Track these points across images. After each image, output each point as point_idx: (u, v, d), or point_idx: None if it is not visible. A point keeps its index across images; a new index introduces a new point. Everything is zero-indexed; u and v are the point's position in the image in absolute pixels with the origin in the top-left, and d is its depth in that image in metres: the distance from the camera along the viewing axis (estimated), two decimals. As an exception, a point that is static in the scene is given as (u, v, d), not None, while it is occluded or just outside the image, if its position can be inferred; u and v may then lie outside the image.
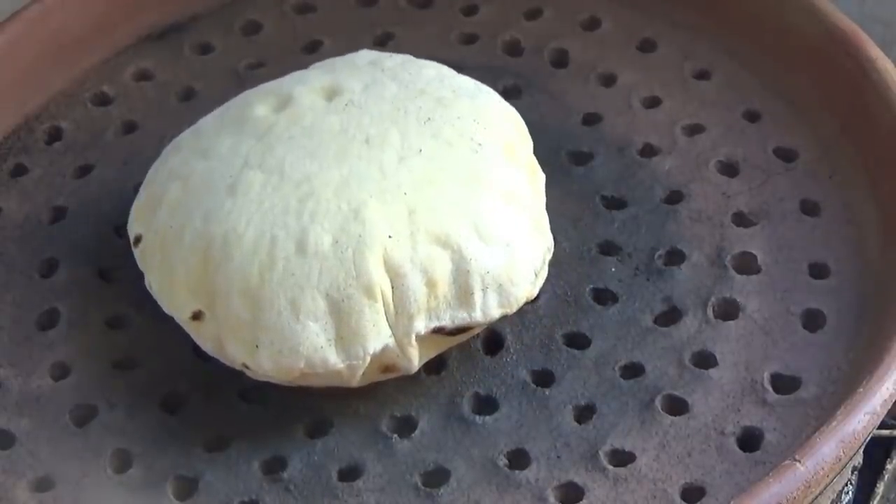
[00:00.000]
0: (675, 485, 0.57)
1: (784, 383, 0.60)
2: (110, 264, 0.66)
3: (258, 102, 0.64)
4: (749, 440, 0.58)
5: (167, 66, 0.75)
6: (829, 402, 0.58)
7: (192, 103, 0.74)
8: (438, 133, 0.61)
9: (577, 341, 0.62)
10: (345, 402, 0.60)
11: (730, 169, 0.68)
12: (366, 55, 0.67)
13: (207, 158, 0.63)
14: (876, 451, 0.82)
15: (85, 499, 0.58)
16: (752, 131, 0.69)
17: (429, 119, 0.62)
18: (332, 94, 0.64)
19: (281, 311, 0.57)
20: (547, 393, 0.60)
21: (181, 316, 0.60)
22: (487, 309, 0.59)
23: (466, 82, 0.65)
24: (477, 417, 0.60)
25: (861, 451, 0.60)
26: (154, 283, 0.61)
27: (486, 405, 0.60)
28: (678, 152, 0.68)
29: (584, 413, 0.59)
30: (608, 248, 0.65)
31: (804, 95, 0.70)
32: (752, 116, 0.70)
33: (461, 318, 0.58)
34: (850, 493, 0.66)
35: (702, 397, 0.59)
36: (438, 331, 0.58)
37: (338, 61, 0.67)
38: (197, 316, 0.59)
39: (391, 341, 0.58)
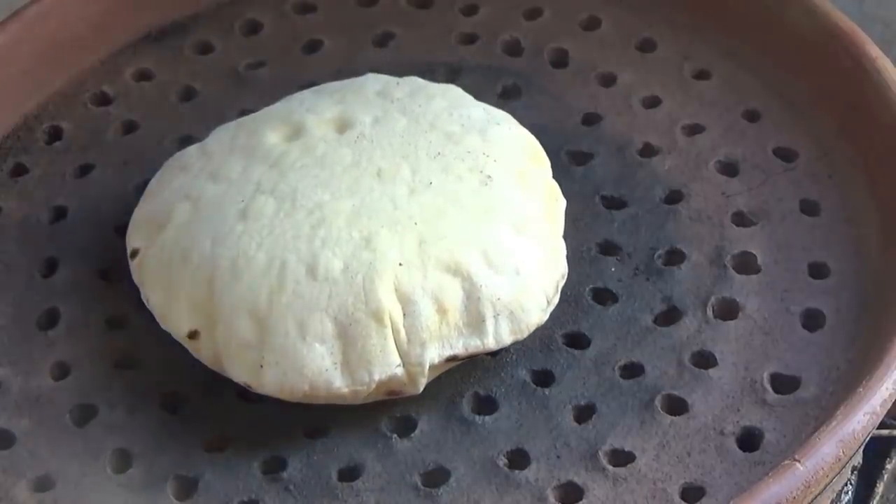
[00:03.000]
0: (674, 485, 0.57)
1: (784, 383, 0.60)
2: (110, 264, 0.66)
3: (269, 130, 0.65)
4: (749, 440, 0.58)
5: (167, 66, 0.75)
6: (828, 402, 0.58)
7: (192, 103, 0.74)
8: (448, 167, 0.62)
9: (577, 341, 0.62)
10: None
11: (729, 169, 0.68)
12: (374, 82, 0.67)
13: (217, 181, 0.63)
14: (876, 451, 0.82)
15: (85, 499, 0.58)
16: (751, 131, 0.69)
17: (438, 154, 0.62)
18: (343, 127, 0.64)
19: (288, 333, 0.58)
20: (547, 393, 0.60)
21: (178, 333, 0.60)
22: (500, 336, 0.59)
23: (476, 112, 0.65)
24: (477, 417, 0.60)
25: (861, 450, 0.60)
26: (152, 297, 0.62)
27: (485, 405, 0.60)
28: (678, 152, 0.68)
29: (584, 413, 0.59)
30: (608, 248, 0.65)
31: (804, 95, 0.70)
32: (752, 116, 0.70)
33: (474, 345, 0.59)
34: (850, 493, 0.66)
35: (701, 397, 0.59)
36: (451, 359, 0.59)
37: (346, 88, 0.67)
38: (193, 335, 0.60)
39: (399, 369, 0.58)
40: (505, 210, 0.61)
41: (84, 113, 0.74)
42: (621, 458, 0.58)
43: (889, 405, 0.56)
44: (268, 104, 0.72)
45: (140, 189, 0.69)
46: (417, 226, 0.59)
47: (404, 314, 0.58)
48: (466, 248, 0.59)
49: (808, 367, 0.60)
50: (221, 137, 0.66)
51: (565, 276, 0.61)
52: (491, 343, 0.59)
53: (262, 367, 0.58)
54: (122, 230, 0.67)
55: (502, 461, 0.58)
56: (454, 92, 0.66)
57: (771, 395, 0.59)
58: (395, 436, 0.59)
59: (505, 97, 0.72)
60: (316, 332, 0.58)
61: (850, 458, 0.56)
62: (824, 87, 0.69)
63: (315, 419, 0.60)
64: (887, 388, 0.56)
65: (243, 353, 0.58)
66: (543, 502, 0.57)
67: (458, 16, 0.76)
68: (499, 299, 0.59)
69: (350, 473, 0.58)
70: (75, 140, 0.73)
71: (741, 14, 0.73)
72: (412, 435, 0.59)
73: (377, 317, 0.57)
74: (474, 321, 0.59)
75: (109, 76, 0.75)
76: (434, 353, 0.58)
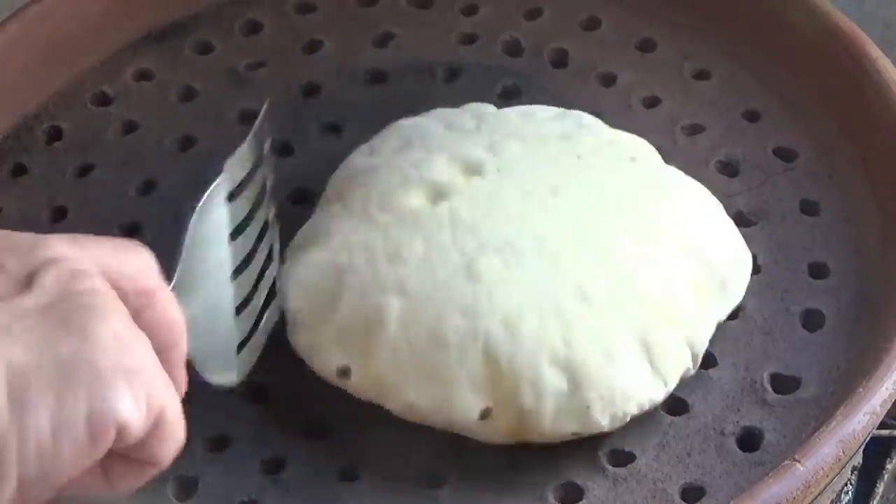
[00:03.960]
0: (674, 485, 0.57)
1: (784, 383, 0.60)
2: (110, 264, 0.66)
3: (404, 197, 0.62)
4: (749, 440, 0.58)
5: (167, 66, 0.75)
6: (828, 402, 0.58)
7: (192, 103, 0.74)
8: (587, 163, 0.63)
9: (577, 341, 0.62)
10: (344, 402, 0.60)
11: (730, 169, 0.68)
12: (440, 118, 0.66)
13: (406, 265, 0.59)
14: (876, 451, 0.82)
15: (84, 498, 0.58)
16: (751, 131, 0.69)
17: (577, 156, 0.63)
18: (469, 171, 0.62)
19: (596, 359, 0.57)
20: (547, 393, 0.60)
21: (473, 416, 0.57)
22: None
23: (545, 111, 0.67)
24: (477, 417, 0.59)
25: (861, 450, 0.60)
26: (414, 398, 0.58)
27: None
28: (678, 152, 0.68)
29: (584, 413, 0.59)
30: (608, 248, 0.65)
31: (804, 95, 0.70)
32: (752, 116, 0.70)
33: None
34: (850, 493, 0.66)
35: (702, 397, 0.59)
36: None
37: (416, 133, 0.65)
38: (487, 414, 0.57)
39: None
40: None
41: (84, 113, 0.74)
42: (621, 458, 0.58)
43: (889, 405, 0.56)
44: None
45: (141, 189, 0.69)
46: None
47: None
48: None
49: (808, 367, 0.60)
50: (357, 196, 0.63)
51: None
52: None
53: (588, 408, 0.57)
54: (122, 230, 0.67)
55: (503, 461, 0.58)
56: (485, 107, 0.67)
57: (771, 395, 0.59)
58: (394, 436, 0.59)
59: (505, 97, 0.72)
60: (622, 351, 0.57)
61: (850, 458, 0.56)
62: (824, 87, 0.69)
63: (315, 419, 0.60)
64: (887, 388, 0.56)
65: (563, 403, 0.57)
66: (543, 502, 0.57)
67: (458, 16, 0.76)
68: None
69: (350, 473, 0.58)
70: (75, 140, 0.73)
71: (741, 14, 0.73)
72: (412, 435, 0.59)
73: (664, 318, 0.58)
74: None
75: (109, 76, 0.75)
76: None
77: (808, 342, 0.61)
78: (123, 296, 0.46)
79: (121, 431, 0.44)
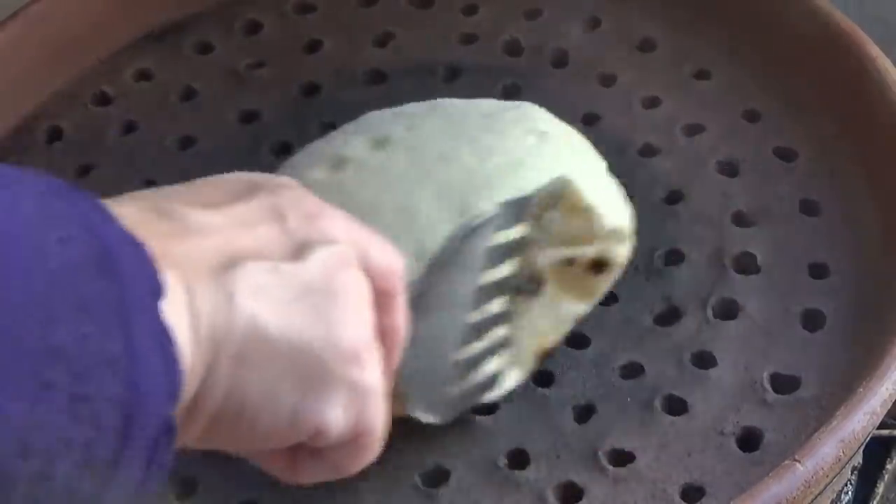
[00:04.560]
0: (674, 485, 0.57)
1: (784, 383, 0.60)
2: (110, 264, 0.66)
3: (309, 170, 0.63)
4: (749, 440, 0.58)
5: (167, 66, 0.75)
6: (828, 402, 0.58)
7: (192, 103, 0.74)
8: (502, 131, 0.61)
9: (577, 341, 0.62)
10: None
11: (730, 169, 0.68)
12: (379, 113, 0.66)
13: None
14: (876, 451, 0.82)
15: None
16: (752, 131, 0.69)
17: (487, 127, 0.62)
18: (379, 144, 0.63)
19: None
20: (547, 393, 0.60)
21: None
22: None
23: (486, 101, 0.65)
24: (477, 417, 0.60)
25: (861, 451, 0.60)
26: None
27: (486, 405, 0.60)
28: (678, 152, 0.68)
29: (584, 413, 0.59)
30: (608, 248, 0.65)
31: (804, 95, 0.70)
32: (752, 116, 0.70)
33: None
34: (850, 493, 0.66)
35: (701, 397, 0.59)
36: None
37: (359, 123, 0.66)
38: None
39: None
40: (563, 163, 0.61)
41: (84, 113, 0.74)
42: (621, 458, 0.58)
43: (889, 405, 0.56)
44: (268, 104, 0.72)
45: (140, 189, 0.69)
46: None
47: None
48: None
49: (808, 367, 0.60)
50: None
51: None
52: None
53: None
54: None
55: (502, 461, 0.58)
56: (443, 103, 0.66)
57: (771, 395, 0.59)
58: (394, 436, 0.59)
59: (505, 97, 0.72)
60: None
61: (850, 458, 0.56)
62: (824, 88, 0.69)
63: (315, 419, 0.60)
64: (887, 388, 0.56)
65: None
66: (543, 502, 0.57)
67: (458, 16, 0.76)
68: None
69: (350, 473, 0.58)
70: (75, 140, 0.73)
71: (741, 14, 0.73)
72: (412, 435, 0.59)
73: None
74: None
75: (109, 76, 0.75)
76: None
77: (808, 342, 0.61)
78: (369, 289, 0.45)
79: (319, 434, 0.43)
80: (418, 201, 0.59)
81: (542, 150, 0.60)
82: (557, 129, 0.62)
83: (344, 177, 0.62)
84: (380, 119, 0.65)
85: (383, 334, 0.46)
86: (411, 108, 0.66)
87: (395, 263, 0.47)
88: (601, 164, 0.62)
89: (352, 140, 0.64)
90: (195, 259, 0.41)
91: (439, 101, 0.66)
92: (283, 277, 0.42)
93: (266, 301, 0.41)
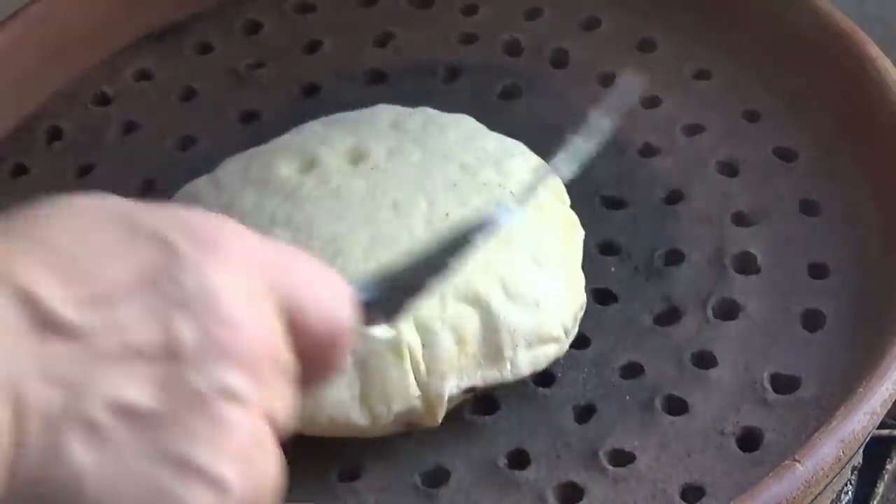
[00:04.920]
0: (674, 485, 0.57)
1: (784, 383, 0.60)
2: (110, 264, 0.66)
3: (282, 162, 0.64)
4: (749, 440, 0.58)
5: (167, 66, 0.75)
6: (828, 402, 0.58)
7: (192, 103, 0.74)
8: (465, 200, 0.61)
9: (577, 341, 0.62)
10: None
11: (730, 169, 0.68)
12: (385, 114, 0.66)
13: (230, 215, 0.61)
14: (876, 451, 0.82)
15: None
16: (752, 131, 0.69)
17: (454, 185, 0.62)
18: (356, 159, 0.63)
19: None
20: (547, 393, 0.60)
21: None
22: (517, 367, 0.58)
23: (490, 143, 0.64)
24: (477, 417, 0.60)
25: (861, 451, 0.60)
26: None
27: (485, 405, 0.60)
28: (678, 152, 0.68)
29: (584, 413, 0.59)
30: (608, 248, 0.65)
31: (804, 95, 0.70)
32: (752, 116, 0.70)
33: (492, 377, 0.58)
34: (850, 493, 0.66)
35: (701, 397, 0.59)
36: (469, 391, 0.58)
37: (359, 119, 0.66)
38: None
39: (418, 402, 0.57)
40: (523, 241, 0.60)
41: (84, 113, 0.74)
42: (621, 458, 0.58)
43: (889, 405, 0.56)
44: (268, 104, 0.72)
45: (140, 189, 0.69)
46: None
47: (423, 345, 0.57)
48: (485, 279, 0.58)
49: (808, 367, 0.60)
50: (232, 170, 0.65)
51: (584, 308, 0.61)
52: (508, 375, 0.58)
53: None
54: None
55: (502, 461, 0.58)
56: (467, 122, 0.66)
57: (771, 395, 0.59)
58: (395, 436, 0.59)
59: (505, 97, 0.72)
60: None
61: (850, 458, 0.56)
62: (824, 88, 0.69)
63: (315, 419, 0.60)
64: (887, 388, 0.56)
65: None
66: (543, 502, 0.57)
67: (458, 16, 0.76)
68: (516, 331, 0.58)
69: (350, 473, 0.58)
70: (75, 140, 0.73)
71: (741, 14, 0.73)
72: (412, 435, 0.59)
73: (396, 349, 0.57)
74: (493, 352, 0.58)
75: (109, 76, 0.75)
76: (453, 385, 0.57)
77: (808, 342, 0.61)
78: (299, 339, 0.36)
79: None
80: (351, 241, 0.59)
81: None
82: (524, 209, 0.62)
83: (305, 181, 0.62)
84: (381, 121, 0.65)
85: (310, 362, 0.38)
86: (418, 118, 0.65)
87: (333, 289, 0.38)
88: (556, 254, 0.61)
89: (336, 140, 0.64)
90: (37, 387, 0.33)
91: (455, 119, 0.65)
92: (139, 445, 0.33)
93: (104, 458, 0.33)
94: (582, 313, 0.61)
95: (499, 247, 0.59)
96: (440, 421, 0.58)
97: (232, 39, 0.77)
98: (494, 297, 0.58)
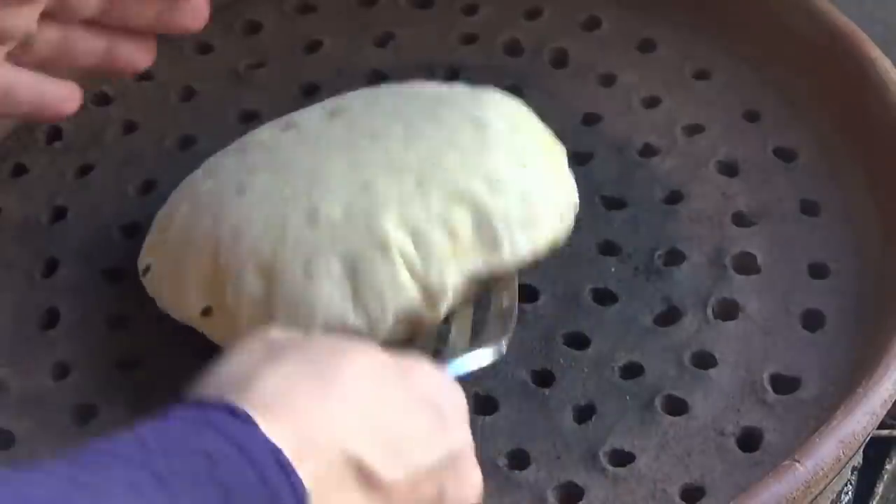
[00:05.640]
0: (674, 485, 0.57)
1: (784, 383, 0.60)
2: (110, 264, 0.66)
3: (263, 130, 0.65)
4: (749, 440, 0.58)
5: (167, 66, 0.75)
6: (828, 402, 0.58)
7: (192, 103, 0.74)
8: (441, 120, 0.62)
9: (577, 341, 0.62)
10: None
11: (729, 169, 0.68)
12: (364, 90, 0.67)
13: (214, 177, 0.63)
14: (876, 451, 0.82)
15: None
16: (751, 131, 0.69)
17: (432, 111, 0.62)
18: (334, 114, 0.64)
19: (295, 278, 0.58)
20: (547, 393, 0.60)
21: (192, 316, 0.60)
22: (516, 248, 0.59)
23: (467, 90, 0.65)
24: (477, 417, 0.60)
25: (861, 451, 0.60)
26: (164, 293, 0.62)
27: (486, 405, 0.60)
28: (678, 152, 0.68)
29: (584, 413, 0.59)
30: (608, 248, 0.65)
31: (804, 95, 0.70)
32: (752, 116, 0.70)
33: (493, 261, 0.59)
34: (850, 493, 0.66)
35: (701, 397, 0.59)
36: (473, 280, 0.59)
37: (352, 93, 0.67)
38: (207, 312, 0.60)
39: (415, 296, 0.58)
40: (503, 146, 0.61)
41: (84, 113, 0.73)
42: (621, 458, 0.58)
43: (889, 405, 0.56)
44: (268, 104, 0.72)
45: (140, 189, 0.69)
46: (415, 168, 0.59)
47: (415, 244, 0.58)
48: (468, 178, 0.59)
49: (808, 367, 0.60)
50: (219, 155, 0.66)
51: (577, 207, 0.62)
52: (509, 257, 0.59)
53: (273, 317, 0.58)
54: (122, 230, 0.67)
55: (502, 461, 0.58)
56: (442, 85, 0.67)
57: (771, 395, 0.59)
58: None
59: (505, 97, 0.72)
60: (322, 271, 0.58)
61: (850, 458, 0.56)
62: (824, 87, 0.69)
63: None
64: (887, 389, 0.56)
65: (255, 310, 0.58)
66: (543, 502, 0.57)
67: (458, 16, 0.76)
68: (508, 216, 0.59)
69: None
70: (75, 140, 0.73)
71: (741, 14, 0.73)
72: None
73: (383, 249, 0.58)
74: (489, 239, 0.59)
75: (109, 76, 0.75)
76: (454, 274, 0.58)
77: (808, 342, 0.61)
78: None
79: None
80: (329, 167, 0.60)
81: (470, 143, 0.61)
82: (500, 123, 0.62)
83: (285, 137, 0.63)
84: (366, 91, 0.67)
85: None
86: (401, 87, 0.67)
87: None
88: (538, 159, 0.62)
89: (317, 108, 0.65)
90: None
91: (425, 85, 0.67)
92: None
93: None
94: (576, 210, 0.61)
95: (478, 151, 0.60)
96: (442, 314, 0.58)
97: (232, 39, 0.77)
98: (480, 193, 0.59)
